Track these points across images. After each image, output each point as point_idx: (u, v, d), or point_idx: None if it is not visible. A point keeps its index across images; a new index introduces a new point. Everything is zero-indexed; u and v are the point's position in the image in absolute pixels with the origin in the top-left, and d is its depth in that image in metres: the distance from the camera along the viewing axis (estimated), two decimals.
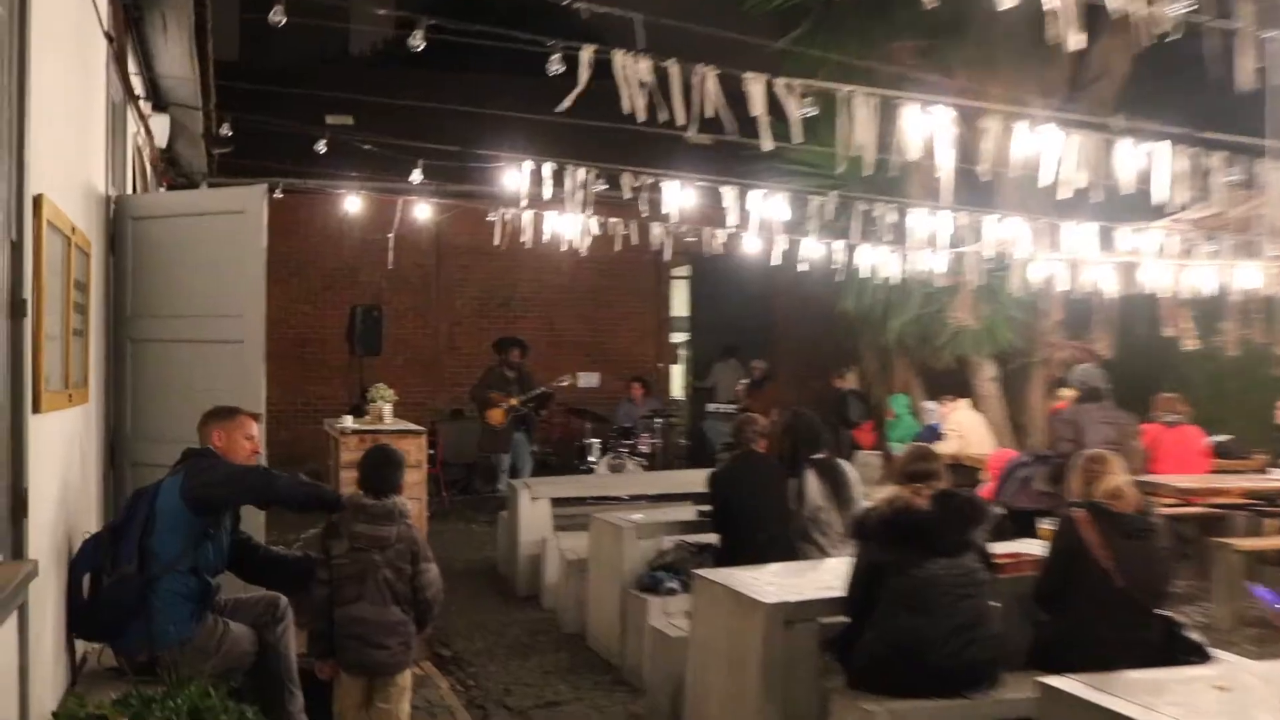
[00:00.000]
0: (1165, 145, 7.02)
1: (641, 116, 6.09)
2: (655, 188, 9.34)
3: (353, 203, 12.31)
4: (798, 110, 6.14)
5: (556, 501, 11.48)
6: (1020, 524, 9.34)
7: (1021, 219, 9.86)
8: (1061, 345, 14.67)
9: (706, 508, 8.69)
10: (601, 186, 9.50)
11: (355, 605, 5.82)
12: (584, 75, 5.80)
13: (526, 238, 11.11)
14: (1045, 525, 7.18)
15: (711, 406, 19.43)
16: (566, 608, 9.93)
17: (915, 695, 5.72)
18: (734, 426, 8.55)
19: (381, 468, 5.99)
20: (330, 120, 16.10)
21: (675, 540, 8.96)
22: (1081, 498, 6.33)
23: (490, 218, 11.07)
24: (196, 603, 5.72)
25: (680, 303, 22.36)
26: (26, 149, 4.10)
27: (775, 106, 6.29)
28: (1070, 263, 10.99)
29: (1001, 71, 13.43)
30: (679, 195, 9.48)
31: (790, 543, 7.97)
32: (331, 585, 5.87)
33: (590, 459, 16.67)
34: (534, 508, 11.28)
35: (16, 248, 4.14)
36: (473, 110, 10.29)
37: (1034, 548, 7.40)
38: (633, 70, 6.06)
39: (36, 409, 4.49)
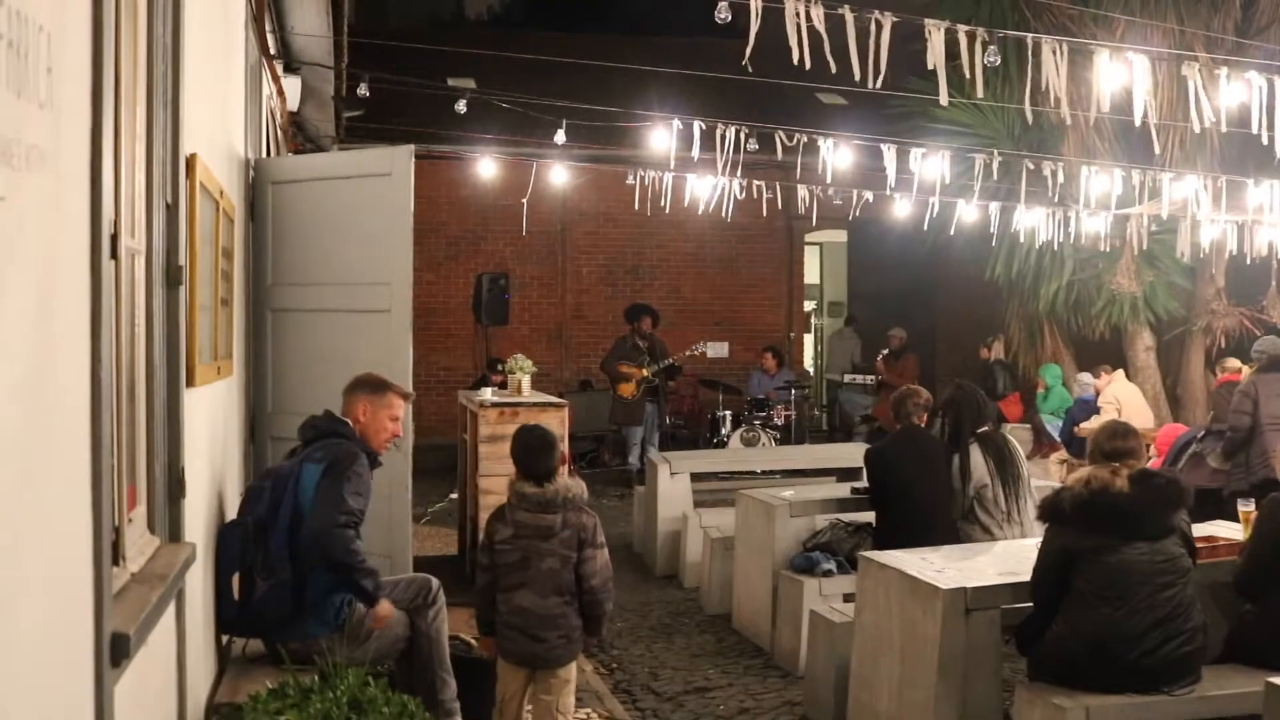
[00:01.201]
0: None
1: (808, 66, 5.74)
2: (812, 147, 9.01)
3: (486, 167, 12.12)
4: (984, 59, 5.76)
5: (696, 477, 11.29)
6: (1196, 504, 8.93)
7: (1198, 177, 9.37)
8: (1226, 312, 14.11)
9: (862, 485, 8.48)
10: (753, 147, 9.19)
11: (517, 594, 5.62)
12: (754, 25, 5.46)
13: (666, 202, 10.85)
14: (1246, 508, 6.77)
15: (847, 377, 19.11)
16: (711, 588, 9.72)
17: (1110, 691, 5.40)
18: (894, 400, 8.23)
19: (536, 452, 5.72)
20: (453, 83, 15.95)
21: (830, 519, 8.71)
22: None
23: (629, 181, 10.81)
24: (348, 590, 5.55)
25: (813, 270, 22.04)
26: (182, 105, 3.90)
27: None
28: (1242, 224, 10.49)
29: (1166, 19, 12.88)
30: (834, 155, 9.14)
31: (952, 523, 7.74)
32: (494, 571, 5.67)
33: (723, 431, 16.44)
34: (673, 483, 11.13)
35: (172, 211, 3.95)
36: (611, 65, 10.02)
37: (1225, 530, 7.03)
38: (799, 19, 5.72)
39: (190, 383, 4.32)
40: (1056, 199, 10.33)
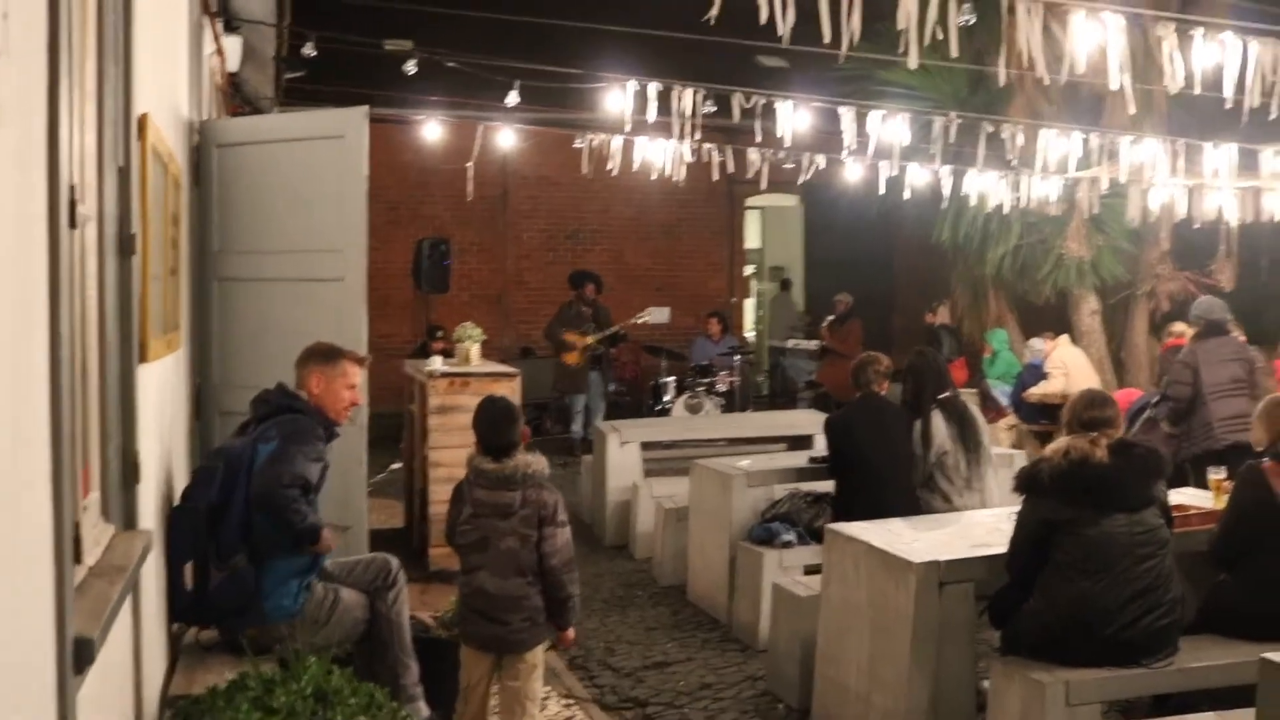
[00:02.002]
0: None
1: (783, 31, 5.53)
2: (768, 110, 8.82)
3: (431, 130, 11.84)
4: (959, 18, 5.59)
5: (647, 445, 11.15)
6: None
7: (1157, 140, 9.27)
8: (1171, 276, 14.11)
9: (820, 454, 8.39)
10: (710, 109, 8.99)
11: (476, 575, 5.43)
12: None
13: (614, 165, 10.63)
14: (1216, 477, 6.69)
15: (791, 342, 19.02)
16: (663, 559, 9.60)
17: (1087, 665, 5.29)
18: (854, 367, 8.12)
19: (499, 424, 5.51)
20: (389, 45, 15.58)
21: (788, 489, 8.58)
22: (1268, 445, 5.83)
23: (577, 144, 10.58)
24: (306, 573, 5.35)
25: (754, 235, 21.92)
26: (134, 62, 3.63)
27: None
28: (1191, 188, 10.43)
29: None
30: (791, 119, 8.96)
31: (912, 491, 7.65)
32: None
33: (666, 399, 16.31)
34: (623, 452, 11.00)
35: (124, 174, 3.68)
36: (553, 24, 9.76)
37: (1195, 499, 6.96)
38: None
39: (143, 358, 4.06)
40: (1015, 162, 10.21)
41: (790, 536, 8.06)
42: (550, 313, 16.53)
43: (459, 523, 5.48)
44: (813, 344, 18.07)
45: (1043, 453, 5.64)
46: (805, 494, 8.46)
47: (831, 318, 16.99)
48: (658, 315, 17.43)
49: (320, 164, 6.73)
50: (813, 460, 8.55)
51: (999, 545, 5.75)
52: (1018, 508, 5.63)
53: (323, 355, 5.63)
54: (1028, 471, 5.57)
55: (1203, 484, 7.36)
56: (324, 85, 11.96)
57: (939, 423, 7.71)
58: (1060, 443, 5.53)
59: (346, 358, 5.66)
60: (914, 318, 17.58)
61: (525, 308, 19.42)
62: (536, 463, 5.48)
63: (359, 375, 5.72)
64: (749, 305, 22.48)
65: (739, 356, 17.06)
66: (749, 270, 22.35)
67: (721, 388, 16.37)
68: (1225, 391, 9.23)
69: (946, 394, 7.88)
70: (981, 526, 6.50)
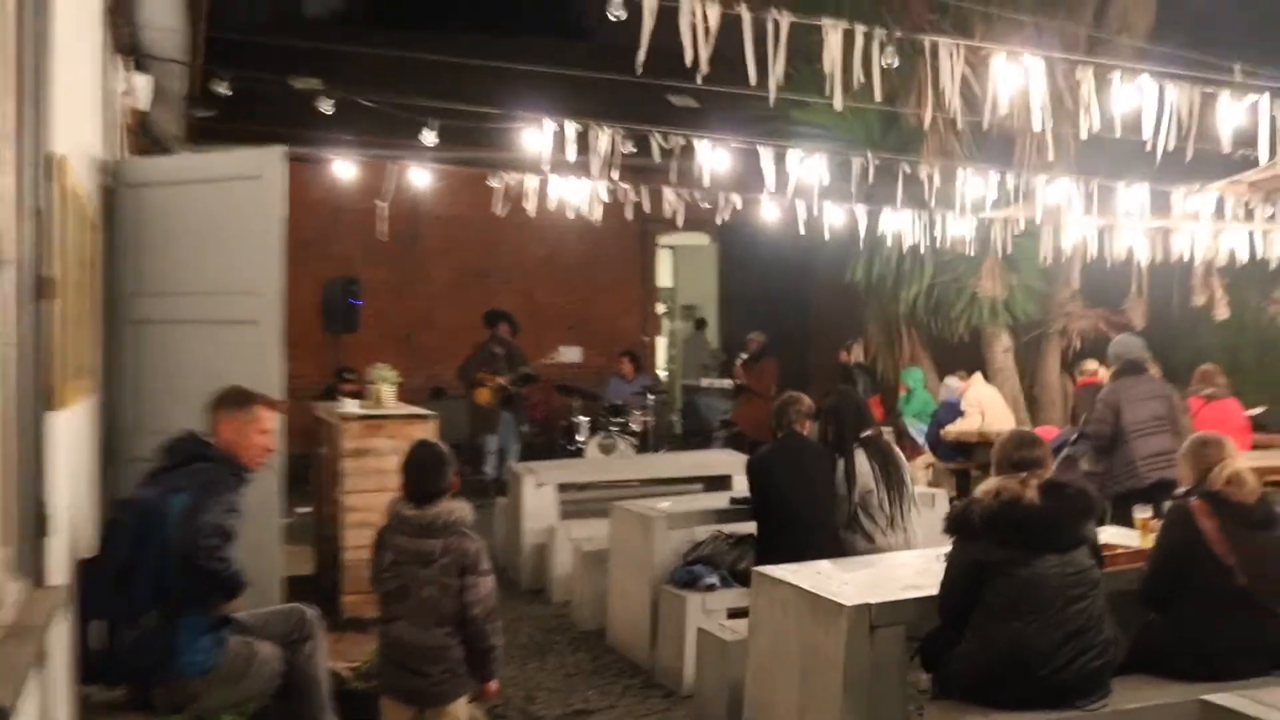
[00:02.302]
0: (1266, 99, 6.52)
1: (704, 67, 5.51)
2: (686, 150, 8.82)
3: (344, 169, 11.71)
4: (883, 61, 5.59)
5: (563, 487, 11.05)
6: None
7: (1071, 180, 9.38)
8: (1083, 314, 14.29)
9: (742, 495, 8.37)
10: (630, 150, 8.97)
11: (394, 625, 5.34)
12: (648, 23, 5.21)
13: (531, 205, 10.57)
14: (1143, 515, 6.73)
15: (704, 381, 19.03)
16: (582, 603, 9.48)
17: (1021, 708, 5.25)
18: (776, 408, 8.09)
19: (429, 470, 5.45)
20: (299, 84, 15.44)
21: (710, 530, 8.52)
22: (1194, 484, 5.86)
23: (491, 183, 10.51)
24: (221, 627, 5.20)
25: (666, 273, 21.97)
26: (51, 101, 3.50)
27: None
28: (1103, 228, 10.56)
29: (1024, 26, 12.99)
30: (710, 158, 8.96)
31: (835, 532, 7.61)
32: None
33: (579, 439, 16.22)
34: (539, 494, 10.89)
35: (40, 217, 3.54)
36: (468, 64, 9.72)
37: (1122, 538, 6.98)
38: (694, 18, 5.48)
39: (55, 405, 3.91)
40: (933, 202, 10.29)
41: (714, 579, 7.98)
42: (462, 352, 16.41)
43: (380, 570, 5.36)
44: (727, 383, 18.08)
45: (973, 494, 5.62)
46: (727, 536, 8.39)
47: (745, 356, 16.99)
48: (570, 354, 17.37)
49: (236, 204, 6.64)
50: (734, 501, 8.51)
51: (930, 587, 5.69)
52: (947, 549, 5.60)
53: (234, 401, 5.50)
54: (958, 513, 5.53)
55: (1124, 522, 7.39)
56: (233, 124, 11.80)
57: (862, 461, 7.70)
58: (990, 483, 5.50)
59: (259, 403, 5.53)
60: (829, 356, 17.65)
61: (436, 347, 19.23)
62: (460, 510, 5.41)
63: (273, 421, 5.59)
64: (661, 344, 22.50)
65: (652, 396, 17.03)
66: (661, 309, 22.37)
67: (635, 427, 16.33)
68: (1147, 429, 9.26)
69: (869, 432, 7.89)
70: (909, 568, 6.47)
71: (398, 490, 5.51)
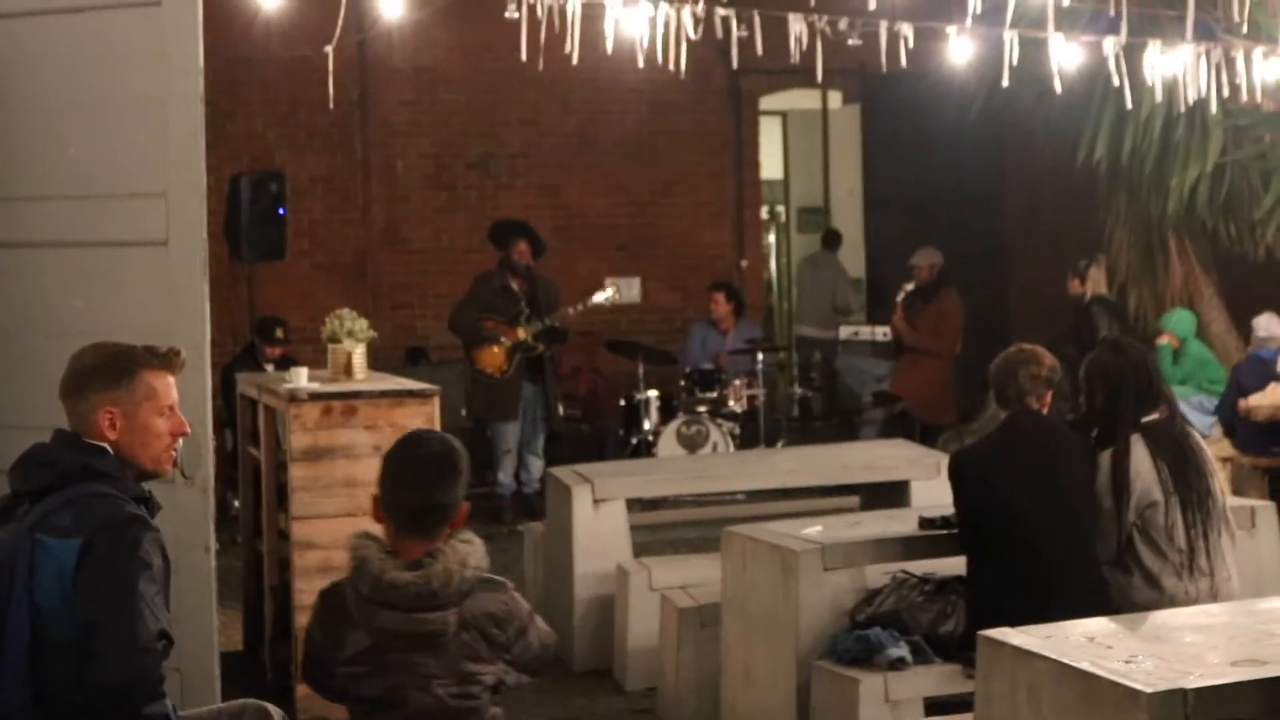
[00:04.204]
0: None
1: None
2: None
3: None
4: None
5: (638, 505, 11.04)
6: None
7: None
8: None
9: (939, 513, 8.38)
10: None
11: None
12: None
13: (570, 45, 10.51)
14: None
15: (845, 332, 18.98)
16: (678, 692, 9.51)
17: None
18: (997, 372, 8.01)
19: (430, 481, 5.48)
20: None
21: (890, 571, 8.51)
22: None
23: (510, 13, 10.43)
24: None
25: (772, 157, 21.90)
26: None
27: None
28: None
29: None
30: None
31: (1098, 571, 7.63)
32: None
33: (646, 426, 16.32)
34: (599, 517, 10.83)
35: None
36: None
37: None
38: None
39: None
40: (1244, 28, 10.19)
41: (902, 651, 7.93)
42: (452, 288, 16.48)
43: (343, 660, 5.39)
44: (881, 332, 18.04)
45: None
46: (919, 579, 8.38)
47: (910, 288, 16.94)
48: (624, 290, 17.38)
49: (122, 50, 6.73)
50: (927, 523, 8.48)
51: (1276, 661, 5.69)
52: None
53: (106, 372, 5.46)
54: None
55: None
56: None
57: (1143, 458, 7.67)
58: None
59: (143, 365, 5.49)
60: (1044, 287, 17.58)
61: (405, 283, 19.53)
62: (474, 554, 5.46)
63: (172, 388, 5.56)
64: (769, 272, 22.48)
65: (763, 355, 17.05)
66: (764, 215, 22.32)
67: (736, 406, 16.41)
68: None
69: (1156, 414, 7.86)
70: (1230, 630, 6.41)
71: (371, 518, 5.58)
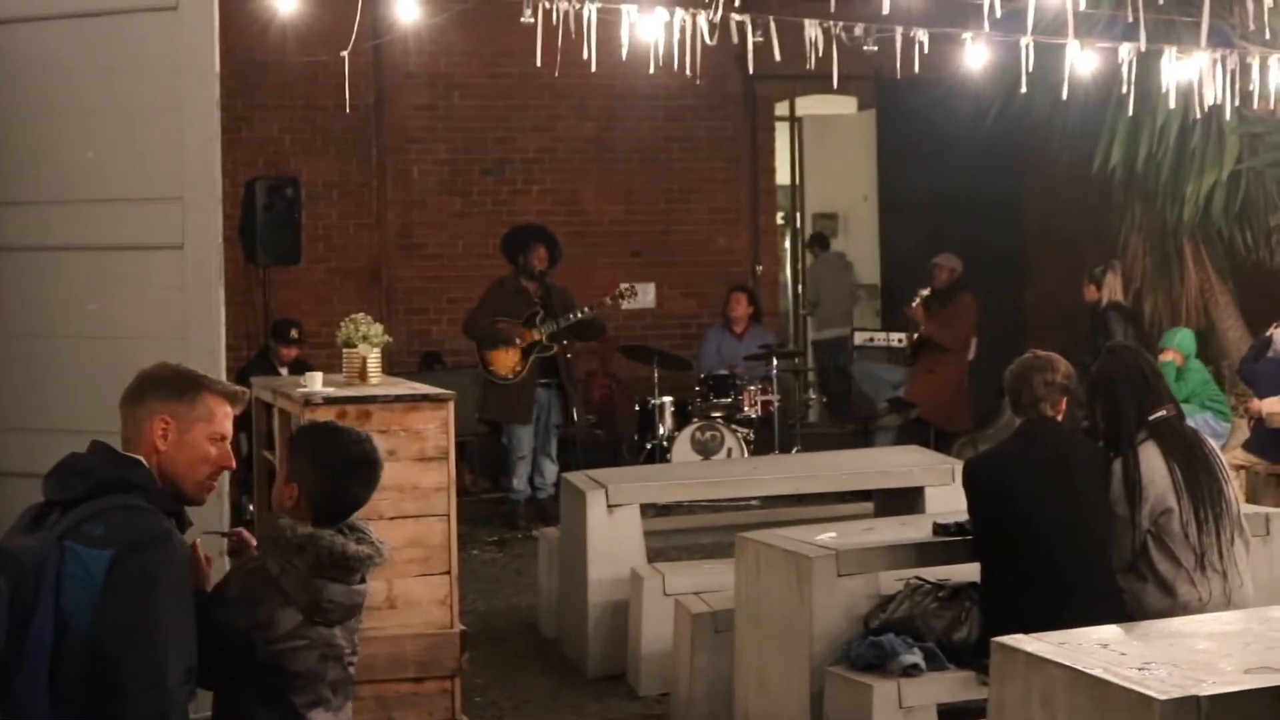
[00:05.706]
0: None
1: None
2: None
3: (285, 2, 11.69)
4: None
5: (652, 510, 11.05)
6: None
7: None
8: None
9: (953, 520, 8.39)
10: None
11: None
12: None
13: (587, 50, 10.54)
14: None
15: (861, 337, 18.96)
16: (692, 697, 9.50)
17: None
18: (1012, 378, 8.02)
19: (368, 475, 5.54)
20: None
21: (904, 578, 8.53)
22: None
23: (526, 19, 10.45)
24: None
25: (787, 162, 21.90)
26: None
27: None
28: None
29: None
30: None
31: (1112, 577, 7.66)
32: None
33: (661, 431, 16.37)
34: (613, 522, 10.83)
35: None
36: None
37: None
38: None
39: None
40: (1265, 32, 10.19)
41: (915, 657, 7.93)
42: (465, 293, 16.47)
43: (275, 638, 5.33)
44: (896, 338, 18.03)
45: None
46: (934, 586, 8.38)
47: (927, 291, 16.91)
48: (640, 296, 17.38)
49: (138, 55, 6.72)
50: (941, 529, 8.49)
51: None
52: None
53: (173, 386, 5.41)
54: None
55: None
56: None
57: (1154, 461, 7.68)
58: None
59: (209, 391, 5.45)
60: (1060, 293, 17.55)
61: (419, 288, 19.54)
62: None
63: (229, 420, 5.53)
64: (784, 277, 22.59)
65: (778, 360, 17.06)
66: (780, 220, 22.35)
67: (751, 412, 16.45)
68: None
69: (1161, 412, 7.87)
70: (1244, 638, 6.38)
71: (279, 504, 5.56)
